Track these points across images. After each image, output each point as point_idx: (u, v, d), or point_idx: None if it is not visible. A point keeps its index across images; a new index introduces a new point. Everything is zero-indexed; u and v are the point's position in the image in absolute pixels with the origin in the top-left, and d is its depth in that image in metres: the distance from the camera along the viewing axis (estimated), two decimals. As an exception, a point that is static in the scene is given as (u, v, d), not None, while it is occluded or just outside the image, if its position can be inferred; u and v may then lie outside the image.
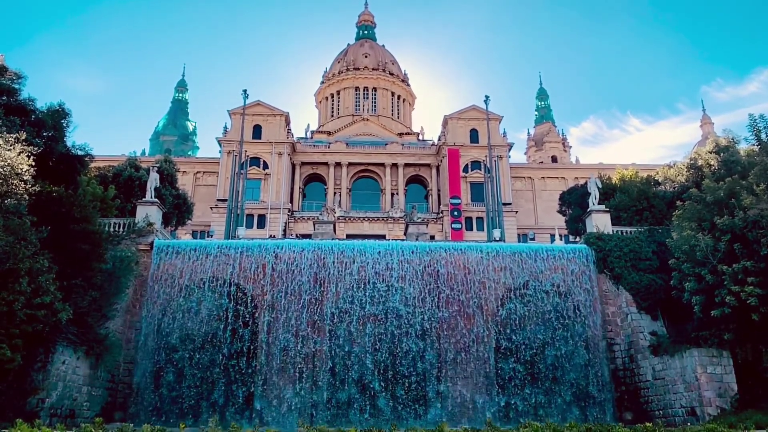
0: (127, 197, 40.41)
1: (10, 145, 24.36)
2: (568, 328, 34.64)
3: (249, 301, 34.25)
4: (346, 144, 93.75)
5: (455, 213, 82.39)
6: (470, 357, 33.23)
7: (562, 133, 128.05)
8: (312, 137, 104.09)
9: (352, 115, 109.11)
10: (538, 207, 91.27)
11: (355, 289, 34.03)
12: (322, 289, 34.03)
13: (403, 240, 47.55)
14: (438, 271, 35.01)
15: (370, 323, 33.45)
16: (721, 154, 37.44)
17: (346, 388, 32.48)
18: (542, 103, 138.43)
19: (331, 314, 33.69)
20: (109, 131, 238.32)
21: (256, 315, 33.85)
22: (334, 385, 32.65)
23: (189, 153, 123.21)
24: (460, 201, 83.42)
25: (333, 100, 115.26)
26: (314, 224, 46.94)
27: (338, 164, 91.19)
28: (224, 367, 32.66)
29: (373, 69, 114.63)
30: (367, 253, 35.04)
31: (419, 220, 50.33)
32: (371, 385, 32.44)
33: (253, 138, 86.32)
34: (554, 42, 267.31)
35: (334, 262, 34.69)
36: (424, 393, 32.77)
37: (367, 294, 33.79)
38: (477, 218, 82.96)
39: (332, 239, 41.99)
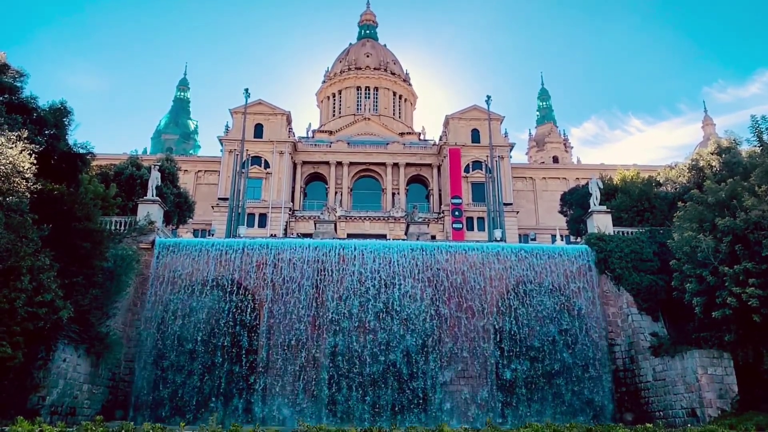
0: (128, 196, 40.53)
1: (12, 143, 24.37)
2: (569, 328, 34.60)
3: (250, 298, 34.27)
4: (348, 143, 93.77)
5: (456, 213, 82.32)
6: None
7: (564, 134, 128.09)
8: (313, 136, 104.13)
9: (354, 114, 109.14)
10: (539, 207, 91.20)
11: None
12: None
13: (404, 239, 47.55)
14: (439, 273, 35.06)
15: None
16: (723, 156, 37.42)
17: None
18: (544, 103, 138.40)
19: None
20: (111, 130, 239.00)
21: (256, 313, 33.87)
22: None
23: (190, 152, 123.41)
24: (461, 201, 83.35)
25: (334, 100, 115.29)
26: (315, 223, 46.99)
27: (339, 164, 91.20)
28: (225, 366, 32.63)
29: (374, 69, 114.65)
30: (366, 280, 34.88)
31: (420, 220, 50.34)
32: None
33: (254, 137, 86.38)
34: (556, 42, 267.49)
35: (333, 298, 34.42)
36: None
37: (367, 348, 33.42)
38: (478, 218, 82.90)
39: (333, 238, 42.03)
